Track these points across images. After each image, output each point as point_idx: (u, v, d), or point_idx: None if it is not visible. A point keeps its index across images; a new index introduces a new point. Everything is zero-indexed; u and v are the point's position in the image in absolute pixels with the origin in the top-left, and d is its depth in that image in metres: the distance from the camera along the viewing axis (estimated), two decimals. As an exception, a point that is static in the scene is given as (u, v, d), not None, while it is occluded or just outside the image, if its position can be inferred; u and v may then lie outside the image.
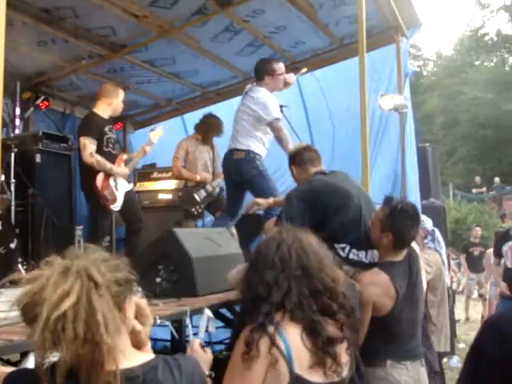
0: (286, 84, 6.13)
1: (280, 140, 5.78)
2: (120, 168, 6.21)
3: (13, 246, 5.36)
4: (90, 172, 5.98)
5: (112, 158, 6.15)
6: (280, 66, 6.04)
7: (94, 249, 1.74)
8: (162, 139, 6.64)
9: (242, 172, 5.83)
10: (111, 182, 6.08)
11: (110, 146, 6.18)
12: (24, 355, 2.22)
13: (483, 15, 38.48)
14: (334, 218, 3.68)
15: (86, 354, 1.55)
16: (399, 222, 3.46)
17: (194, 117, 8.68)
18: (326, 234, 2.93)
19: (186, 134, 9.04)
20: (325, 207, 3.70)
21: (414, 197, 7.85)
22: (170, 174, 8.27)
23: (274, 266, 2.25)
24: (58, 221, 6.79)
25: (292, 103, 7.19)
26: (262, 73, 6.01)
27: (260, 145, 5.89)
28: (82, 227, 7.88)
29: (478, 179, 26.46)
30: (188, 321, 3.10)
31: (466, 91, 32.68)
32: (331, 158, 8.10)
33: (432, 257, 5.84)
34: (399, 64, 8.00)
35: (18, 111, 7.88)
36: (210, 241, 4.06)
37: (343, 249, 3.65)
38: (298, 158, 4.23)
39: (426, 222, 5.76)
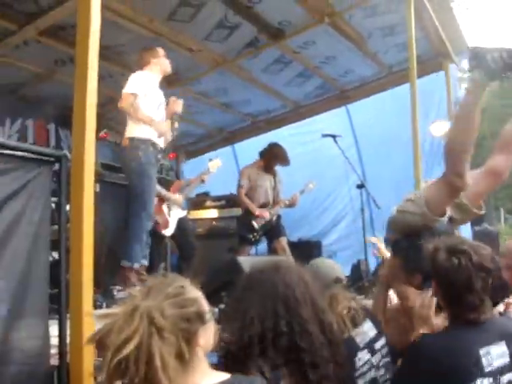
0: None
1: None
2: (176, 196, 6.34)
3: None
4: None
5: (167, 184, 6.32)
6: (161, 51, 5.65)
7: (172, 279, 1.83)
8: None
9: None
10: (164, 207, 6.26)
11: (164, 173, 6.36)
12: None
13: (532, 36, 37.89)
14: None
15: None
16: None
17: (244, 145, 8.86)
18: None
19: (235, 162, 9.22)
20: None
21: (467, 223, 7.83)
22: (222, 202, 8.42)
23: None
24: (118, 248, 6.96)
25: (341, 132, 7.29)
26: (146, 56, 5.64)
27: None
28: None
29: (529, 203, 25.90)
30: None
31: (516, 114, 32.05)
32: (383, 186, 8.15)
33: None
34: (449, 90, 8.03)
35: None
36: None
37: None
38: None
39: None
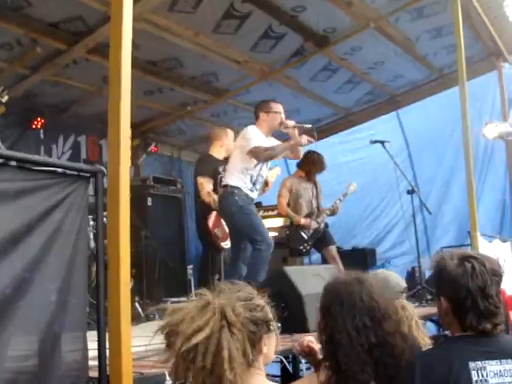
0: (282, 124, 5.69)
1: (269, 158, 5.49)
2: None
3: (130, 285, 5.60)
4: (203, 211, 6.22)
5: None
6: (277, 106, 5.76)
7: (241, 286, 1.88)
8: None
9: (220, 207, 5.63)
10: (223, 221, 6.28)
11: None
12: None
13: None
14: None
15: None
16: None
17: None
18: None
19: (288, 172, 9.19)
20: None
21: (524, 226, 7.64)
22: (275, 212, 8.40)
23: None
24: (170, 261, 7.06)
25: (392, 137, 7.20)
26: (257, 111, 5.77)
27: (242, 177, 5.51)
28: (191, 266, 8.27)
29: None
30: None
31: None
32: (434, 188, 8.03)
33: None
34: (502, 90, 7.86)
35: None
36: (318, 277, 4.13)
37: None
38: None
39: None
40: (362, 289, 2.21)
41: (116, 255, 2.05)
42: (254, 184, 5.48)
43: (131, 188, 6.84)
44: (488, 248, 6.48)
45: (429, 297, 6.04)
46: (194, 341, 1.70)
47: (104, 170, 2.14)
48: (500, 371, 2.04)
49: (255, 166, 5.41)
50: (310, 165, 7.40)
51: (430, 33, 6.97)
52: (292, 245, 7.13)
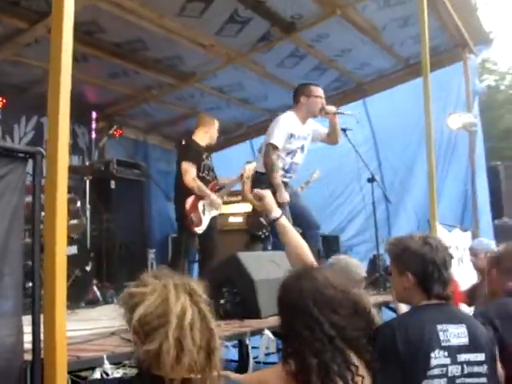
0: (322, 110, 5.78)
1: (265, 165, 5.63)
2: (215, 196, 6.34)
3: (88, 268, 5.60)
4: (182, 195, 6.18)
5: (206, 184, 6.32)
6: (317, 89, 5.87)
7: (169, 272, 1.85)
8: (230, 163, 6.75)
9: None
10: (200, 205, 6.25)
11: (205, 172, 6.37)
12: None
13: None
14: None
15: (201, 361, 1.68)
16: None
17: (262, 141, 8.82)
18: None
19: (254, 158, 9.18)
20: None
21: (486, 216, 7.71)
22: (239, 198, 8.39)
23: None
24: (131, 245, 7.02)
25: (357, 126, 7.20)
26: (298, 94, 5.89)
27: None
28: (154, 251, 8.24)
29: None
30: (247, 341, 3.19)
31: (546, 104, 31.48)
32: (398, 178, 8.08)
33: None
34: (467, 81, 7.92)
35: (93, 140, 8.25)
36: (273, 263, 4.13)
37: None
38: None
39: (491, 244, 5.61)
40: (316, 283, 2.26)
41: (52, 238, 2.00)
42: (287, 171, 5.73)
43: (94, 170, 6.84)
44: (447, 237, 6.56)
45: (388, 285, 6.09)
46: (187, 318, 1.67)
47: (43, 151, 2.09)
48: (458, 333, 2.43)
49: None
50: None
51: (397, 22, 6.98)
52: (251, 231, 7.11)
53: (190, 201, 6.16)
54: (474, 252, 5.55)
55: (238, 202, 8.58)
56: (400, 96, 8.59)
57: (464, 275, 5.90)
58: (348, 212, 8.97)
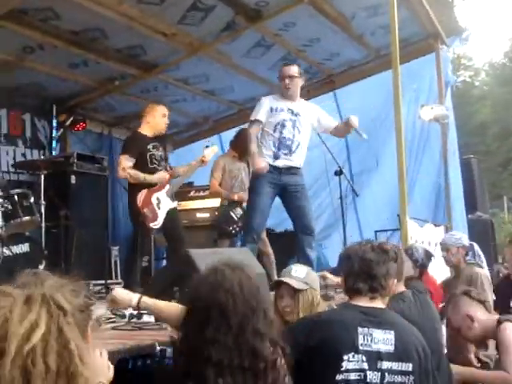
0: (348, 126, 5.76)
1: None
2: (153, 176, 6.04)
3: (41, 267, 5.34)
4: (133, 190, 5.90)
5: None
6: (283, 70, 5.76)
7: (46, 274, 1.59)
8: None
9: None
10: (153, 199, 5.95)
11: (155, 162, 6.04)
12: None
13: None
14: None
15: None
16: None
17: (231, 134, 8.60)
18: None
19: (222, 152, 8.95)
20: None
21: (459, 210, 7.57)
22: (207, 193, 8.14)
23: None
24: (93, 242, 6.75)
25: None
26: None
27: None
28: (117, 248, 7.97)
29: (534, 190, 25.62)
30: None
31: (520, 100, 31.70)
32: (368, 171, 7.91)
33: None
34: (439, 73, 7.76)
35: (54, 133, 7.96)
36: (230, 260, 3.91)
37: None
38: None
39: (463, 238, 5.45)
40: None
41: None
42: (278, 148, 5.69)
43: (52, 164, 6.54)
44: (419, 232, 6.40)
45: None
46: (34, 340, 1.39)
47: None
48: (384, 339, 2.39)
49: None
50: (243, 144, 7.16)
51: (367, 11, 6.80)
52: (221, 226, 6.88)
53: (141, 195, 5.86)
54: (445, 247, 5.38)
55: (204, 197, 8.35)
56: (371, 88, 8.39)
57: (436, 271, 5.74)
58: (316, 207, 8.74)
